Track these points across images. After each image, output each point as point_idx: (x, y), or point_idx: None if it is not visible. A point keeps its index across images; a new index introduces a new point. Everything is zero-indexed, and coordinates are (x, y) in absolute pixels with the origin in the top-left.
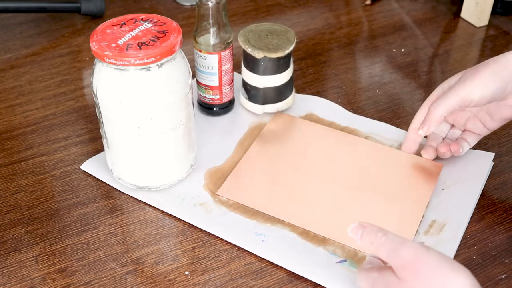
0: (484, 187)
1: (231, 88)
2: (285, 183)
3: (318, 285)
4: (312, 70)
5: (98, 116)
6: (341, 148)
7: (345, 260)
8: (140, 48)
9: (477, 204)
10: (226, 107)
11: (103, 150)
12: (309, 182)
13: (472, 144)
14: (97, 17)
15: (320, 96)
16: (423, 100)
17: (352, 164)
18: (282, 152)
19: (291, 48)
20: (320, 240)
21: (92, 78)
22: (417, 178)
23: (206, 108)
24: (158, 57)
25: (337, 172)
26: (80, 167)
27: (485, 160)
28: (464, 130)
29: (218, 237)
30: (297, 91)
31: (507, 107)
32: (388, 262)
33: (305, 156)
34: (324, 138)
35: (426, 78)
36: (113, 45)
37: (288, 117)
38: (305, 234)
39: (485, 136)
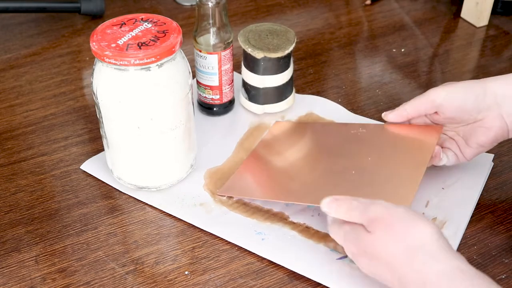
0: (484, 187)
1: (231, 88)
2: (288, 173)
3: (319, 284)
4: (312, 70)
5: (98, 116)
6: (341, 135)
7: (345, 256)
8: (140, 48)
9: (477, 204)
10: (226, 107)
11: (103, 150)
12: (309, 168)
13: (451, 161)
14: (97, 17)
15: (320, 96)
16: None
17: (353, 146)
18: (284, 153)
19: (291, 48)
20: (320, 237)
21: (92, 78)
22: (418, 139)
23: (206, 108)
24: (158, 57)
25: (339, 156)
26: (80, 167)
27: (485, 160)
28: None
29: (218, 237)
30: (297, 91)
31: (482, 130)
32: (360, 221)
33: (307, 151)
34: (322, 134)
35: (426, 78)
36: (113, 45)
37: (286, 123)
38: (306, 231)
39: None
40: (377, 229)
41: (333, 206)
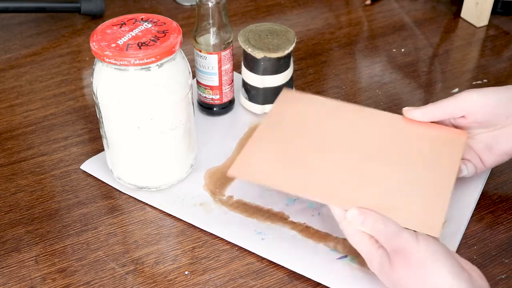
0: (484, 187)
1: (231, 88)
2: (301, 158)
3: (319, 284)
4: (312, 70)
5: (98, 116)
6: (357, 121)
7: (345, 256)
8: (140, 48)
9: (477, 204)
10: (226, 107)
11: (103, 150)
12: (325, 156)
13: (471, 173)
14: (97, 17)
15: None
16: (423, 100)
17: (370, 136)
18: (295, 127)
19: (291, 48)
20: (320, 237)
21: (92, 78)
22: (441, 149)
23: (206, 108)
24: (158, 57)
25: (356, 145)
26: (80, 167)
27: None
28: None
29: (218, 237)
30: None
31: (508, 136)
32: (383, 245)
33: (320, 131)
34: (337, 112)
35: (426, 78)
36: (113, 45)
37: (296, 94)
38: (306, 231)
39: None
40: (398, 264)
41: (359, 220)
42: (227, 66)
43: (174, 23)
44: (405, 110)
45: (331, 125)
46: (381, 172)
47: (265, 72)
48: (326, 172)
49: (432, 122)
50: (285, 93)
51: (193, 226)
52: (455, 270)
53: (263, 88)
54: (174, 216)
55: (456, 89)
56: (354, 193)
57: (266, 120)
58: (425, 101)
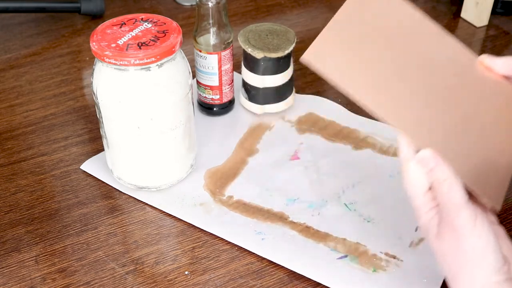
0: None
1: (231, 88)
2: (379, 69)
3: (319, 284)
4: (312, 70)
5: (98, 116)
6: (439, 47)
7: (345, 256)
8: (140, 48)
9: None
10: (226, 107)
11: (103, 150)
12: (402, 77)
13: None
14: (97, 17)
15: (320, 96)
16: None
17: (447, 71)
18: (375, 30)
19: (291, 48)
20: (321, 237)
21: (92, 78)
22: (509, 113)
23: (206, 108)
24: (158, 57)
25: (433, 75)
26: (80, 167)
27: None
28: None
29: (218, 237)
30: (297, 91)
31: None
32: (439, 204)
33: (400, 46)
34: (420, 29)
35: None
36: (113, 45)
37: None
38: (306, 231)
39: None
40: (445, 238)
41: (430, 164)
42: (227, 66)
43: (174, 23)
44: (484, 56)
45: (412, 42)
46: (453, 115)
47: (265, 72)
48: (401, 94)
49: (504, 76)
50: None
51: (193, 226)
52: (498, 266)
53: (263, 88)
54: (174, 216)
55: None
56: (427, 130)
57: (346, 7)
58: None
